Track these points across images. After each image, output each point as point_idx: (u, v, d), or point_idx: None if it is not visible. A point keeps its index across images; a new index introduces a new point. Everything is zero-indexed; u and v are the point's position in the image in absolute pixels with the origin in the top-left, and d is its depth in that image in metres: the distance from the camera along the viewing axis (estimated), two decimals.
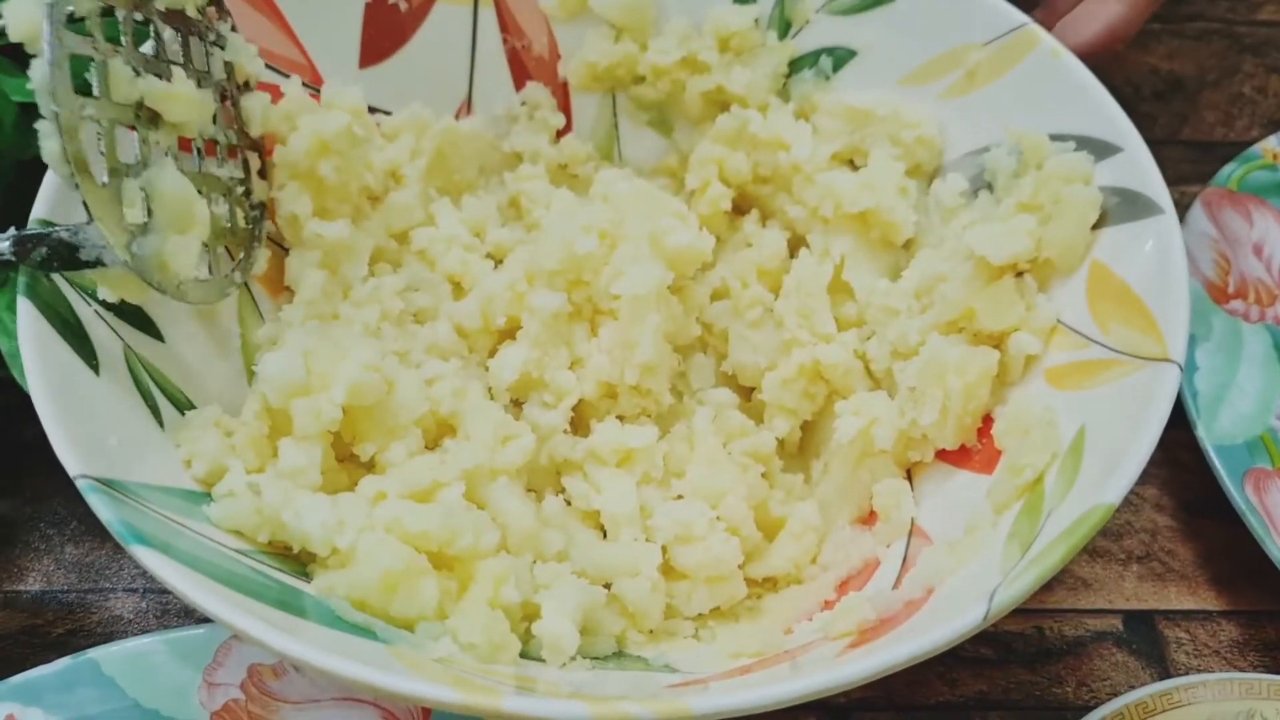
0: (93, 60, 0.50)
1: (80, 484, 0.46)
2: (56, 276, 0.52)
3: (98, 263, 0.50)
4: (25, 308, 0.51)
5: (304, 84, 0.65)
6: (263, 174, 0.62)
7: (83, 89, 0.49)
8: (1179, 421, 0.64)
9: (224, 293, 0.57)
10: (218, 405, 0.55)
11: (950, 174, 0.65)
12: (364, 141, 0.63)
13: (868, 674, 0.42)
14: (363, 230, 0.63)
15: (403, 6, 0.69)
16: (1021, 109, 0.63)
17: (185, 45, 0.57)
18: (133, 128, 0.52)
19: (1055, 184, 0.59)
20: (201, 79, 0.57)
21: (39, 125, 0.48)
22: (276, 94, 0.63)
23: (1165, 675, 0.60)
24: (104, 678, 0.55)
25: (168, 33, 0.55)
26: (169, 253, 0.51)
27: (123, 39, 0.52)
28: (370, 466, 0.56)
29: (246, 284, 0.61)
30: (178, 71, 0.55)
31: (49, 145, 0.48)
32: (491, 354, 0.62)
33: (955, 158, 0.66)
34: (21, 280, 0.51)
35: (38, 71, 0.47)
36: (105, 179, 0.49)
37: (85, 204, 0.48)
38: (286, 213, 0.61)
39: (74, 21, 0.49)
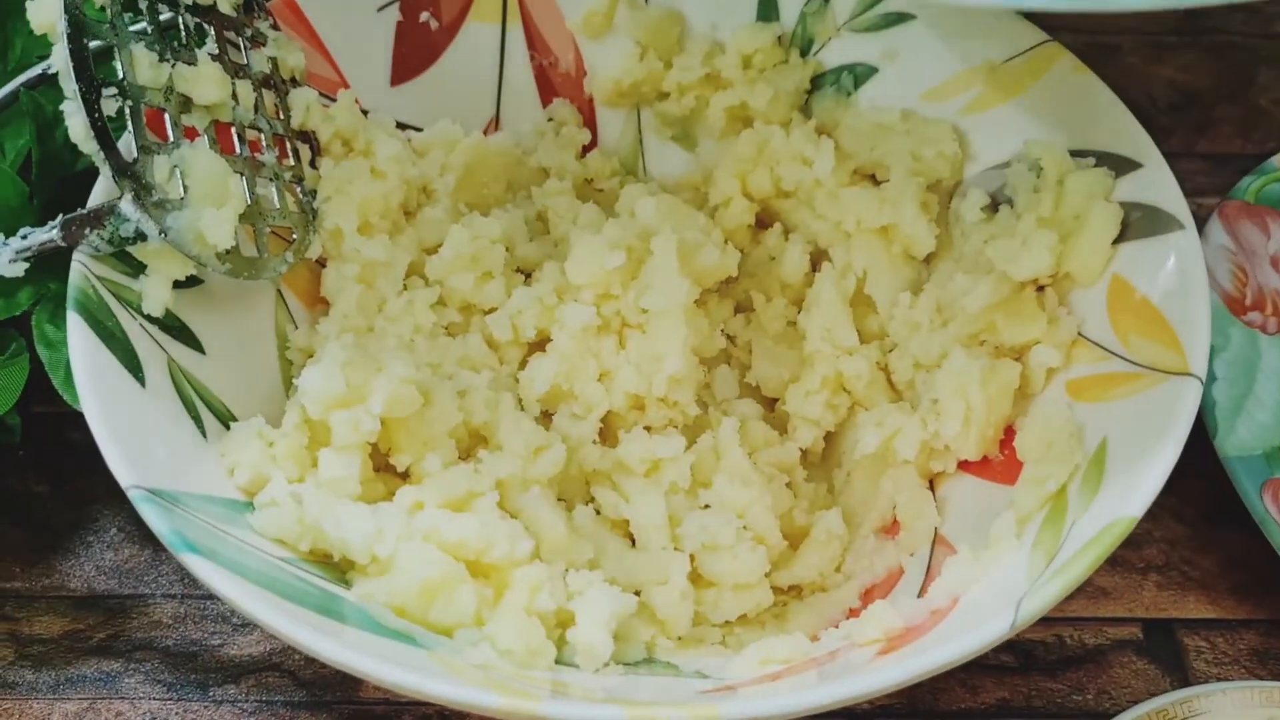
0: (114, 46, 0.53)
1: (132, 494, 0.47)
2: (104, 291, 0.54)
3: (139, 236, 0.53)
4: (75, 321, 0.52)
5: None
6: (314, 164, 0.64)
7: (111, 76, 0.53)
8: (1198, 431, 0.64)
9: (276, 270, 0.60)
10: (260, 416, 0.56)
11: (971, 189, 0.66)
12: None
13: (899, 680, 0.43)
14: (397, 245, 0.64)
15: (433, 25, 0.70)
16: (1041, 124, 0.64)
17: (221, 39, 0.60)
18: (163, 110, 0.55)
19: (1076, 199, 0.60)
20: (240, 71, 0.60)
21: (64, 106, 0.51)
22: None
23: (1185, 683, 0.61)
24: None
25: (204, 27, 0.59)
26: (205, 225, 0.54)
27: (147, 28, 0.56)
28: (406, 477, 0.57)
29: (283, 296, 0.63)
30: (203, 56, 0.58)
31: (74, 123, 0.51)
32: (522, 366, 0.63)
33: (976, 173, 0.67)
34: (71, 295, 0.53)
35: (58, 55, 0.51)
36: (136, 156, 0.52)
37: (113, 178, 0.51)
38: (331, 225, 0.62)
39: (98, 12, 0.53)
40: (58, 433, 0.70)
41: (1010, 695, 0.61)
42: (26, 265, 0.55)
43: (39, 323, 0.64)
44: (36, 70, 0.65)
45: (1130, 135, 0.60)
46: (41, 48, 0.69)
